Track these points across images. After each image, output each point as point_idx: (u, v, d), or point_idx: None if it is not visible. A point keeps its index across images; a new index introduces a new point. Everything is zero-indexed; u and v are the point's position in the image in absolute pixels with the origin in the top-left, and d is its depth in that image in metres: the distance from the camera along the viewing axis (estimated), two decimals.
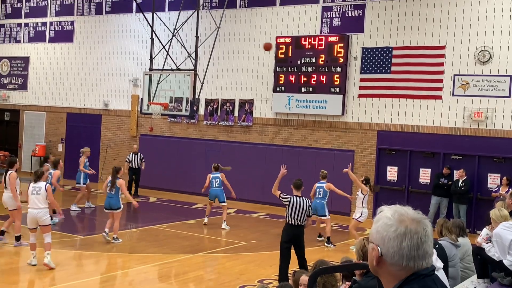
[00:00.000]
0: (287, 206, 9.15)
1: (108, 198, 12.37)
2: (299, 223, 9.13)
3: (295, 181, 9.46)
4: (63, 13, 23.44)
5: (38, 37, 24.18)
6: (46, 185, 10.19)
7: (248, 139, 19.34)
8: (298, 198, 9.21)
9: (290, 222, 9.11)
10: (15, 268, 10.43)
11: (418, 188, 16.47)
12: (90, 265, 10.78)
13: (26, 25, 24.49)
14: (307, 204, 9.25)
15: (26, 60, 24.52)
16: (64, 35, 23.44)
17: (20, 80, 24.74)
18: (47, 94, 23.87)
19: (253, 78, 19.24)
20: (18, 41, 24.76)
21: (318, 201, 12.99)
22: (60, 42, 23.55)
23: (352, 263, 4.17)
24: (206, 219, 14.61)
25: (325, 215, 13.00)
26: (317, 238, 13.27)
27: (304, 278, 4.58)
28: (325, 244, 12.80)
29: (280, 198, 9.22)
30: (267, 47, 15.91)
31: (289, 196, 9.18)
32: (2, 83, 25.21)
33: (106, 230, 12.22)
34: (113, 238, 12.21)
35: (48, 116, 23.89)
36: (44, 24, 23.97)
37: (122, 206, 12.56)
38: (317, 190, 13.19)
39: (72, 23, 23.23)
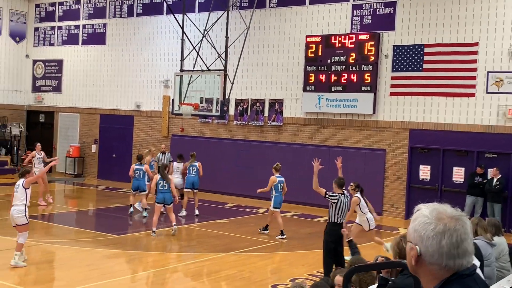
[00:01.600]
0: (334, 205, 9.03)
1: (162, 193, 13.04)
2: (342, 221, 9.09)
3: (339, 179, 9.35)
4: (95, 16, 23.78)
5: (71, 40, 24.57)
6: (23, 182, 9.92)
7: (278, 139, 19.31)
8: (344, 196, 9.15)
9: (335, 221, 9.04)
10: (49, 266, 10.61)
11: (452, 187, 16.20)
12: (123, 263, 10.89)
13: (60, 28, 24.92)
14: (349, 201, 9.31)
15: (60, 62, 24.95)
16: (96, 38, 23.77)
17: (54, 83, 25.18)
18: (81, 96, 24.23)
19: (283, 78, 19.21)
20: (52, 44, 25.20)
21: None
22: (92, 45, 23.90)
23: (388, 261, 4.11)
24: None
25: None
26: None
27: (339, 278, 4.55)
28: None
29: (326, 197, 9.08)
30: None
31: (337, 194, 9.08)
32: (37, 85, 25.70)
33: (154, 228, 12.91)
34: (173, 231, 12.91)
35: (82, 118, 24.26)
36: (77, 27, 24.35)
37: (174, 200, 13.30)
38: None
39: (104, 25, 23.55)
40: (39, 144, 17.53)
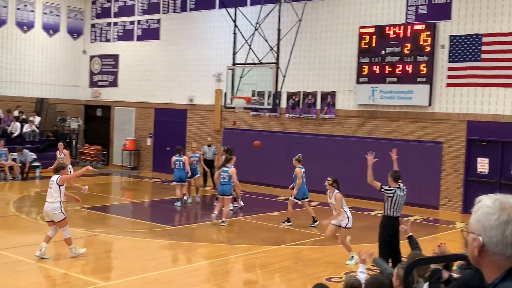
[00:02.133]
0: (390, 199, 8.87)
1: (222, 185, 13.54)
2: (398, 215, 8.91)
3: (394, 173, 9.16)
4: (149, 11, 24.14)
5: (126, 35, 25.05)
6: (58, 178, 9.85)
7: (330, 132, 19.14)
8: (400, 190, 8.97)
9: (390, 215, 8.88)
10: (107, 256, 10.87)
11: (511, 180, 15.66)
12: (179, 254, 11.04)
13: (115, 24, 25.43)
14: (406, 195, 9.08)
15: (116, 58, 25.49)
16: (151, 33, 24.15)
17: (110, 78, 25.75)
18: (136, 91, 24.69)
19: (335, 70, 19.00)
20: (108, 40, 25.77)
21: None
22: (147, 40, 24.29)
23: (449, 255, 4.00)
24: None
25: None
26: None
27: (399, 272, 4.46)
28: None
29: (382, 190, 8.91)
30: (257, 145, 15.97)
31: (393, 188, 8.90)
32: (94, 80, 26.35)
33: (216, 212, 13.40)
34: (222, 221, 13.20)
35: (137, 112, 24.72)
36: (132, 22, 24.81)
37: (232, 193, 13.79)
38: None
39: (158, 21, 23.88)
40: (61, 144, 17.36)
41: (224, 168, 13.68)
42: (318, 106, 19.33)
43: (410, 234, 7.12)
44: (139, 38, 24.61)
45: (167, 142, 23.20)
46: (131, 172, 23.55)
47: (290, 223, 13.57)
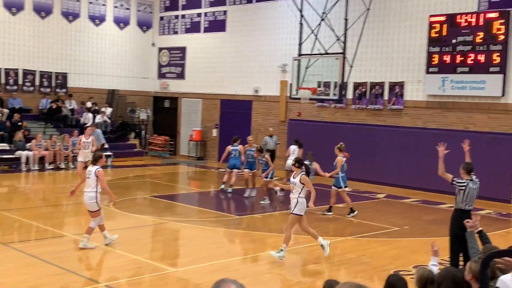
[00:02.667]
0: (462, 192, 8.58)
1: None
2: (470, 208, 8.62)
3: (467, 165, 8.85)
4: (216, 3, 24.36)
5: (194, 27, 25.40)
6: (96, 169, 9.82)
7: (398, 123, 18.74)
8: (472, 182, 8.66)
9: (462, 208, 8.60)
10: (175, 243, 11.09)
11: None
12: (245, 243, 11.12)
13: (183, 16, 25.83)
14: (478, 187, 8.73)
15: (183, 50, 25.91)
16: (217, 25, 24.38)
17: (178, 70, 26.21)
18: (202, 82, 25.02)
19: (404, 60, 18.55)
20: (176, 32, 26.22)
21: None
22: (214, 32, 24.54)
23: None
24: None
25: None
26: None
27: (472, 266, 4.31)
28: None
29: (453, 183, 8.62)
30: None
31: (465, 181, 8.61)
32: (162, 72, 26.90)
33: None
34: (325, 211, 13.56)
35: (204, 103, 25.07)
36: (199, 15, 25.12)
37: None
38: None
39: (225, 12, 24.06)
40: (89, 128, 17.21)
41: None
42: (386, 96, 18.96)
43: (480, 229, 6.84)
44: (206, 30, 24.89)
45: (233, 133, 23.36)
46: (197, 162, 23.93)
47: (355, 212, 13.60)
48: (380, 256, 10.09)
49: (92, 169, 9.90)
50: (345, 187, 13.78)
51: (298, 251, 10.61)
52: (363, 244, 11.03)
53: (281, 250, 9.54)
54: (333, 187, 13.83)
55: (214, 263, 9.39)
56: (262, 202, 14.90)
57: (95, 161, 10.05)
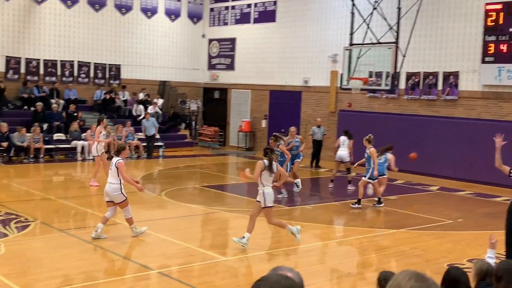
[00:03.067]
0: None
1: (380, 166, 13.72)
2: None
3: None
4: None
5: (243, 18, 25.43)
6: (117, 161, 9.77)
7: (452, 114, 18.28)
8: None
9: None
10: (224, 233, 11.18)
11: None
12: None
13: (233, 8, 25.89)
14: None
15: (233, 41, 25.99)
16: (267, 16, 24.33)
17: (228, 61, 26.32)
18: (252, 73, 25.06)
19: (458, 49, 18.05)
20: (225, 24, 26.32)
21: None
22: (263, 23, 24.50)
23: None
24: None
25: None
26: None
27: None
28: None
29: (511, 175, 8.37)
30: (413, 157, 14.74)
31: None
32: (212, 63, 27.08)
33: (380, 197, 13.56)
34: (378, 201, 13.42)
35: (253, 94, 25.11)
36: (249, 5, 25.12)
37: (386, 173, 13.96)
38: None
39: (275, 3, 23.98)
40: (105, 119, 16.85)
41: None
42: (440, 87, 18.52)
43: None
44: (256, 21, 24.88)
45: (282, 124, 23.35)
46: (246, 153, 24.03)
47: (382, 204, 13.41)
48: (433, 249, 9.89)
49: (114, 160, 9.86)
50: (376, 179, 13.37)
51: (348, 242, 10.52)
52: (416, 236, 10.84)
53: (243, 237, 9.40)
54: (366, 179, 13.30)
55: (264, 253, 9.42)
56: (279, 195, 13.90)
57: (118, 152, 10.00)
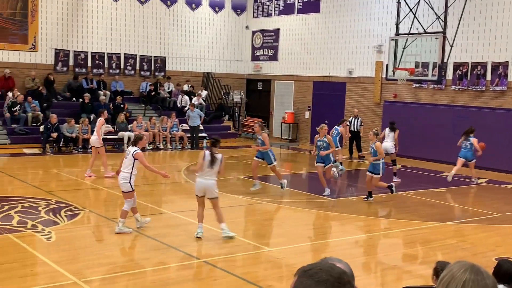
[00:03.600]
0: None
1: (467, 151, 15.08)
2: None
3: None
4: None
5: (287, 9, 25.31)
6: (134, 151, 9.55)
7: (501, 105, 17.78)
8: None
9: None
10: (268, 223, 11.21)
11: None
12: (337, 226, 11.04)
13: None
14: None
15: (276, 32, 25.92)
16: (311, 6, 24.14)
17: (271, 52, 26.28)
18: (295, 64, 24.96)
19: (509, 39, 17.51)
20: (269, 15, 26.26)
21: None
22: (307, 13, 24.34)
23: None
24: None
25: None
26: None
27: None
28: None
29: None
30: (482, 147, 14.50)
31: None
32: (255, 55, 27.09)
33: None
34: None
35: (296, 85, 25.02)
36: None
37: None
38: None
39: None
40: (106, 111, 16.73)
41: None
42: (488, 77, 18.02)
43: None
44: (300, 11, 24.73)
45: (325, 115, 23.22)
46: (289, 144, 23.99)
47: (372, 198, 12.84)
48: (481, 242, 9.68)
49: (131, 150, 9.67)
50: (383, 174, 12.80)
51: (394, 235, 10.40)
52: (463, 229, 10.63)
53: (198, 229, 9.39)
54: (370, 174, 12.71)
55: (307, 244, 9.40)
56: (252, 188, 13.60)
57: (135, 142, 9.86)
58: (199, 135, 22.23)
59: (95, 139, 15.21)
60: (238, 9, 27.03)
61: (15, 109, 20.10)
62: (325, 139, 13.26)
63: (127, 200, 9.60)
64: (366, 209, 12.26)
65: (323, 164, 13.36)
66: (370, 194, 12.85)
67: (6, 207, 10.99)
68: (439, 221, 11.13)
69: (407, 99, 20.45)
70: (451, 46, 15.70)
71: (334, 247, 9.38)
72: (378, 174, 12.60)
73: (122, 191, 9.69)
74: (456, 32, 16.08)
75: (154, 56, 24.86)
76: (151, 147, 20.95)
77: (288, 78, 25.36)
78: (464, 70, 18.63)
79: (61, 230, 9.64)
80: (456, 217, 11.60)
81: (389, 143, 15.74)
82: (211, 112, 25.14)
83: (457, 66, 18.74)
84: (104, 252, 8.58)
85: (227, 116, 25.90)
